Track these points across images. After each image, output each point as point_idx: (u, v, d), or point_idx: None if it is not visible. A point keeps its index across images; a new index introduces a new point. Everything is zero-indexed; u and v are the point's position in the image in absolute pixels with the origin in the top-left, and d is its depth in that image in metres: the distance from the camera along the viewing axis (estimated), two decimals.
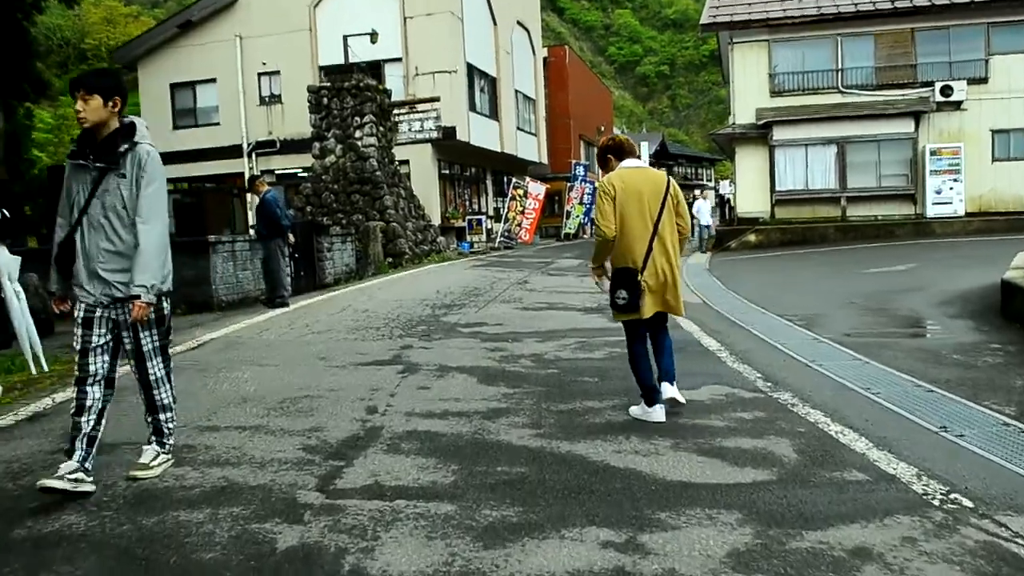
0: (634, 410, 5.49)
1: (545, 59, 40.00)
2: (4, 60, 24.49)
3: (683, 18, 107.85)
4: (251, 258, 14.64)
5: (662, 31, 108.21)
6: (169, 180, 19.13)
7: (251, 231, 15.74)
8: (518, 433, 5.10)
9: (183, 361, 7.57)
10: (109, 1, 52.05)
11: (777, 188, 25.77)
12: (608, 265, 5.45)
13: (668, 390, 5.49)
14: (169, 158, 25.34)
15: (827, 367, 7.05)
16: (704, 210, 26.00)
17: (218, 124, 29.83)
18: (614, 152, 5.55)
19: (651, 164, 64.34)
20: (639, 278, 5.18)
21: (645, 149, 62.50)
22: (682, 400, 5.56)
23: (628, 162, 5.47)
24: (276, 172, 29.12)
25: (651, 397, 5.36)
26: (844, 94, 25.72)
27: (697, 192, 31.45)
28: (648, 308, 5.27)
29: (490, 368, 7.28)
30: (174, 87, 30.43)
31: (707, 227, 25.49)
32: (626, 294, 5.19)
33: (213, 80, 29.77)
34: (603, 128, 50.54)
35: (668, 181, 5.41)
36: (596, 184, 7.54)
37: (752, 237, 25.48)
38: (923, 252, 19.47)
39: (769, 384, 6.44)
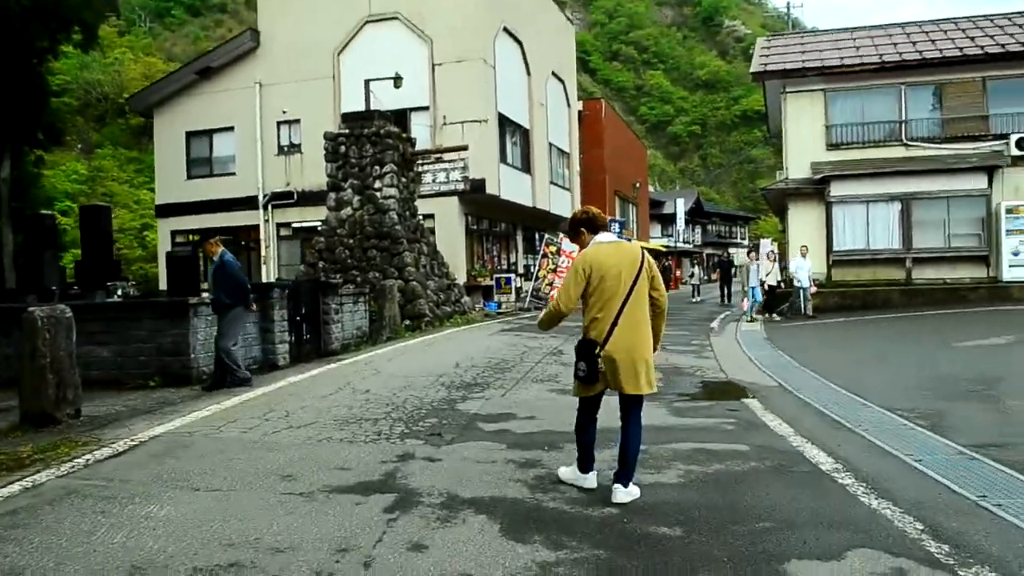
0: (564, 472, 5.63)
1: (580, 112, 38.31)
2: (17, 106, 23.30)
3: (714, 79, 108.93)
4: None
5: (693, 91, 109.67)
6: (181, 231, 17.21)
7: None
8: None
9: (93, 479, 5.52)
10: (149, 57, 51.86)
11: (834, 248, 23.51)
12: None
13: (620, 494, 5.17)
14: (182, 209, 23.93)
15: (1014, 510, 4.81)
16: (804, 269, 21.28)
17: (234, 174, 28.21)
18: (587, 225, 5.49)
19: (686, 221, 62.67)
20: (597, 351, 5.11)
21: (680, 206, 60.69)
22: (626, 500, 5.16)
23: (602, 236, 5.42)
24: (293, 225, 27.43)
25: (587, 464, 5.49)
26: (908, 147, 23.60)
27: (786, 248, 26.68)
28: (612, 382, 5.19)
29: (519, 504, 5.11)
30: (190, 135, 28.92)
31: (806, 288, 21.26)
32: (585, 366, 5.17)
33: (231, 128, 28.23)
34: (639, 184, 48.71)
35: (643, 255, 5.31)
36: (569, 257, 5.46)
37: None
38: (1011, 321, 17.11)
39: (945, 547, 4.22)
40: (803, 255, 21.43)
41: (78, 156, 45.28)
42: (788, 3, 50.62)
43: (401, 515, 4.82)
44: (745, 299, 20.90)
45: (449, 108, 25.22)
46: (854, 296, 22.70)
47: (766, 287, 21.55)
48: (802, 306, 21.17)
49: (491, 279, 27.49)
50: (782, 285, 22.48)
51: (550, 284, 28.03)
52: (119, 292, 14.90)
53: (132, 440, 6.98)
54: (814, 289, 21.16)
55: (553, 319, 5.38)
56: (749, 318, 20.90)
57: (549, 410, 8.47)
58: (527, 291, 28.30)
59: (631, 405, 5.34)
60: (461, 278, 24.86)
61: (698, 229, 73.91)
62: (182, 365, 11.31)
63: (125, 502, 5.10)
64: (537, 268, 28.51)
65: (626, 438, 5.30)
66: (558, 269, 27.96)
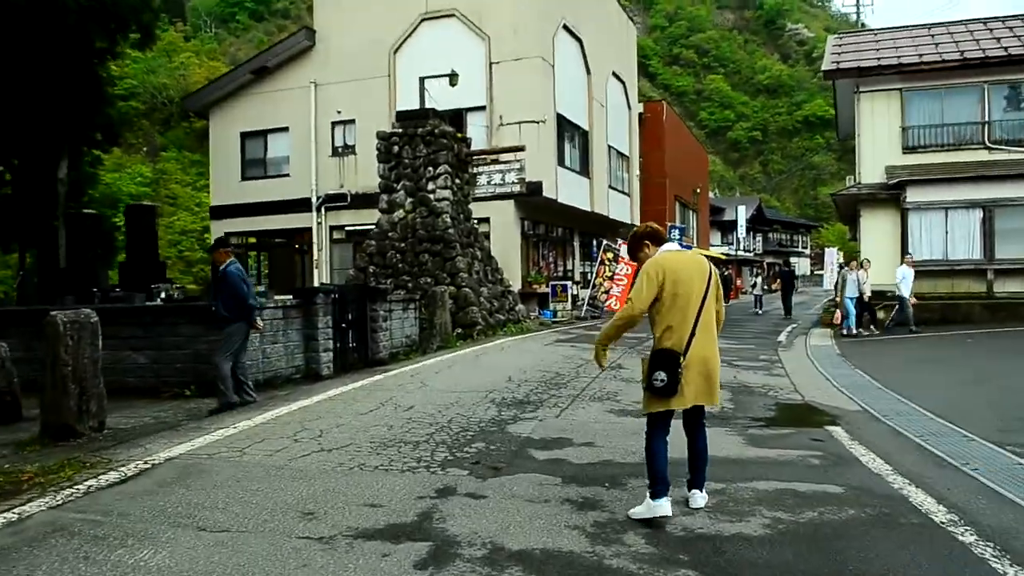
0: (638, 511, 5.12)
1: (640, 114, 37.29)
2: (75, 107, 23.22)
3: (776, 84, 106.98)
4: (284, 328, 12.02)
5: (754, 97, 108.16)
6: (235, 234, 16.05)
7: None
8: None
9: (88, 512, 4.85)
10: (213, 62, 52.45)
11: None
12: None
13: (698, 499, 5.35)
14: (236, 210, 23.44)
15: None
16: (909, 279, 19.44)
17: (288, 176, 27.83)
18: (651, 238, 5.41)
19: (747, 229, 61.08)
20: (681, 360, 4.97)
21: (742, 213, 59.18)
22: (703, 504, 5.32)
23: (668, 246, 5.31)
24: (346, 228, 26.94)
25: (660, 489, 5.01)
26: (992, 150, 22.19)
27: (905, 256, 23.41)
28: (690, 395, 5.05)
29: (577, 560, 4.29)
30: (244, 136, 28.65)
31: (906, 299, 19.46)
32: (665, 376, 4.93)
33: (285, 129, 27.88)
34: (699, 190, 47.47)
35: (711, 267, 5.26)
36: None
37: (882, 315, 21.88)
38: None
39: None
40: (909, 264, 19.78)
41: (144, 159, 45.96)
42: (858, 2, 48.79)
43: (434, 574, 4.03)
44: (839, 312, 19.19)
45: (506, 108, 24.46)
46: (932, 310, 21.35)
47: (864, 299, 19.70)
48: (908, 318, 19.34)
49: (547, 286, 26.67)
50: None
51: (607, 292, 27.12)
52: (162, 295, 14.42)
53: (145, 462, 6.32)
54: (914, 301, 19.55)
55: (625, 326, 5.18)
56: (852, 332, 19.16)
57: (609, 435, 7.64)
58: (583, 299, 27.41)
59: (699, 418, 5.36)
60: (516, 285, 24.11)
61: (759, 237, 72.04)
62: None
63: (116, 544, 4.39)
64: (594, 275, 27.60)
65: (697, 451, 5.37)
66: (615, 276, 27.04)
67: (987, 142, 22.23)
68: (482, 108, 24.91)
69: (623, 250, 27.01)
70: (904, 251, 22.18)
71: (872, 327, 19.73)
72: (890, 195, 22.36)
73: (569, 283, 27.25)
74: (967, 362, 13.90)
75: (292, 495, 5.44)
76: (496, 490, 5.65)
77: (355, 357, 13.72)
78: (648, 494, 5.06)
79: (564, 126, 26.96)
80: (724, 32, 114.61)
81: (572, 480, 5.94)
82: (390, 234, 19.48)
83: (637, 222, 35.58)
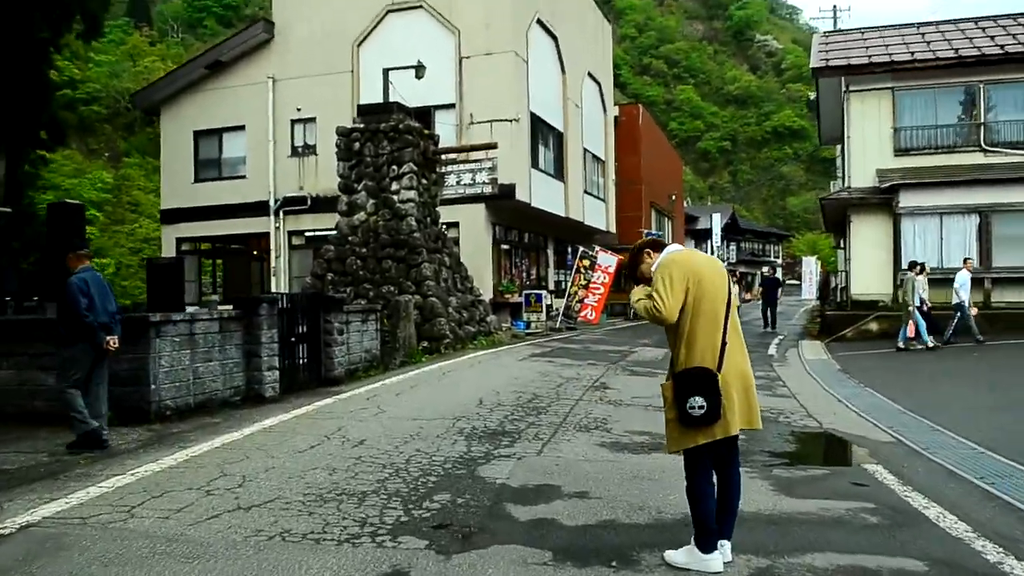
0: (676, 556, 4.28)
1: (616, 118, 35.96)
2: (15, 102, 21.48)
3: (745, 94, 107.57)
4: (220, 344, 10.42)
5: (724, 107, 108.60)
6: (187, 239, 12.90)
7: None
8: None
9: None
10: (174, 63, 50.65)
11: (903, 266, 20.95)
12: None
13: (727, 552, 4.31)
14: (189, 214, 21.32)
15: None
16: (968, 285, 17.71)
17: (244, 177, 26.05)
18: (653, 246, 4.56)
19: (721, 238, 60.16)
20: (719, 377, 4.07)
21: (717, 221, 58.11)
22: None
23: (674, 247, 4.49)
24: (306, 233, 25.26)
25: (711, 540, 4.19)
26: (988, 153, 21.08)
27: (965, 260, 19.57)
28: (733, 419, 4.14)
29: None
30: (198, 135, 26.81)
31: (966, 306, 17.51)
32: (703, 401, 4.04)
33: (241, 127, 26.11)
34: (674, 197, 46.26)
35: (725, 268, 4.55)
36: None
37: (873, 325, 20.66)
38: None
39: None
40: (968, 269, 18.00)
41: (105, 164, 44.13)
42: (835, 8, 48.04)
43: None
44: (910, 323, 17.11)
45: (477, 106, 22.96)
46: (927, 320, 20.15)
47: (925, 308, 17.55)
48: (972, 327, 17.36)
49: (520, 296, 25.16)
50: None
51: (580, 301, 25.68)
52: None
53: None
54: (975, 311, 17.61)
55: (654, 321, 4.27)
56: (929, 346, 17.04)
57: (606, 480, 6.15)
58: (558, 309, 25.94)
59: (733, 449, 4.43)
60: (487, 294, 22.59)
61: (732, 246, 71.14)
62: (140, 398, 9.12)
63: None
64: (569, 284, 26.15)
65: (731, 491, 4.39)
66: (591, 285, 25.61)
67: (983, 144, 21.12)
68: (451, 106, 23.38)
69: (601, 258, 25.61)
70: (897, 259, 21.01)
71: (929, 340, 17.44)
72: (882, 200, 21.16)
73: (543, 292, 25.76)
74: (983, 378, 12.60)
75: None
76: (466, 569, 4.14)
77: (306, 375, 12.13)
78: (694, 544, 4.27)
79: (538, 126, 25.50)
80: (694, 43, 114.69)
81: (565, 555, 4.44)
82: (350, 238, 17.86)
83: (613, 228, 34.26)
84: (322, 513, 5.16)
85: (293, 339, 11.86)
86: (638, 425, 8.58)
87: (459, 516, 5.15)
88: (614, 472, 6.44)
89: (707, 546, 4.24)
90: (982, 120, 21.17)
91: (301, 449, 7.07)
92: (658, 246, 4.57)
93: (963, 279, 17.53)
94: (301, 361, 12.13)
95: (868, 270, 21.77)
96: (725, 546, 4.34)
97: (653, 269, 4.38)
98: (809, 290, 25.02)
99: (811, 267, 25.22)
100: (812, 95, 52.59)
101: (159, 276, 13.33)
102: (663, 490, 5.89)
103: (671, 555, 4.37)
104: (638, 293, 4.40)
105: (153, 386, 9.15)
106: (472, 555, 4.41)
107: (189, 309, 12.14)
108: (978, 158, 21.07)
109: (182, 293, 13.32)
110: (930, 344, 17.07)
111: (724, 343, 4.18)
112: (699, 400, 4.06)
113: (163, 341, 9.36)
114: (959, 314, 17.50)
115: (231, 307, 11.18)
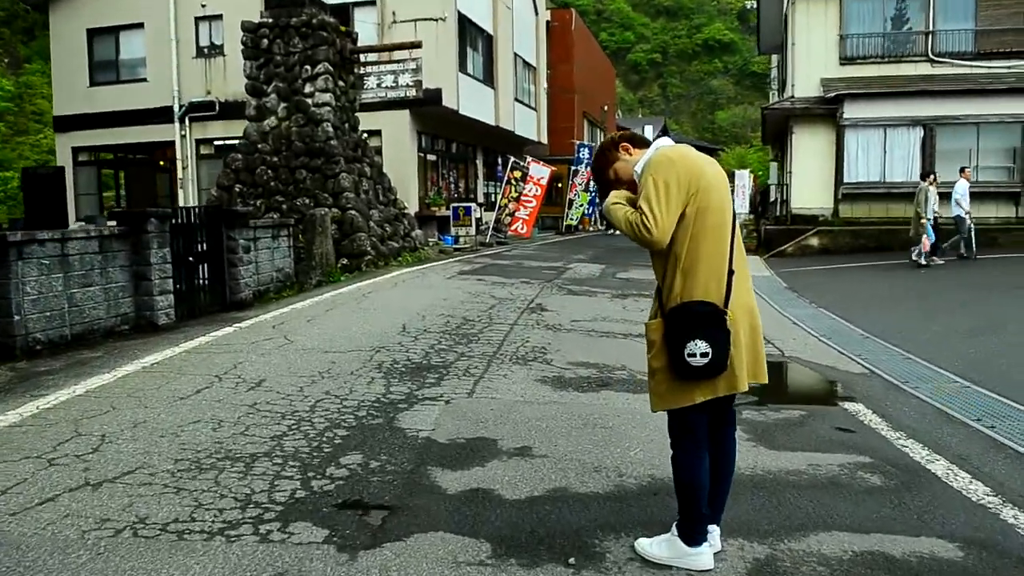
0: (652, 548, 3.31)
1: (548, 23, 34.27)
2: None
3: (676, 6, 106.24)
4: (102, 265, 9.00)
5: (655, 18, 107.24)
6: (85, 149, 11.26)
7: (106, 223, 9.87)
8: None
9: None
10: None
11: (845, 180, 20.36)
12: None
13: (716, 538, 3.38)
14: (85, 121, 19.06)
15: None
16: (965, 194, 16.38)
17: (145, 80, 23.86)
18: (634, 142, 3.42)
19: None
20: (727, 316, 3.06)
21: (649, 133, 57.11)
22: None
23: (665, 140, 3.31)
24: (215, 142, 23.38)
25: (699, 530, 3.23)
26: (935, 64, 20.35)
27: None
28: (742, 370, 3.13)
29: None
30: (92, 33, 24.32)
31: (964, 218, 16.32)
32: (707, 347, 3.02)
33: (140, 25, 23.77)
34: (607, 108, 45.00)
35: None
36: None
37: (814, 240, 20.10)
38: None
39: None
40: (966, 178, 16.63)
41: (4, 71, 40.53)
42: None
43: None
44: (925, 236, 15.78)
45: (399, 3, 21.19)
46: (868, 235, 19.67)
47: (936, 221, 16.02)
48: (972, 243, 16.40)
49: (448, 209, 23.86)
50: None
51: (511, 214, 24.54)
52: None
53: None
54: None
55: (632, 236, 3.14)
56: (937, 262, 15.75)
57: (552, 430, 5.12)
58: (488, 223, 24.74)
59: (728, 410, 3.40)
60: (412, 207, 21.24)
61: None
62: (2, 331, 7.71)
63: None
64: (500, 196, 24.91)
65: (725, 463, 3.40)
66: (522, 197, 24.46)
67: (930, 54, 20.36)
68: (371, 3, 21.54)
69: (533, 169, 24.40)
70: (839, 173, 20.33)
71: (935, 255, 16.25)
72: (827, 110, 20.35)
73: (473, 205, 24.48)
74: (938, 297, 11.93)
75: None
76: None
77: (208, 299, 10.78)
78: (676, 534, 3.29)
79: (466, 28, 23.81)
80: None
81: (508, 548, 3.38)
82: (260, 146, 16.23)
83: (545, 139, 32.94)
84: (194, 489, 3.99)
85: (191, 259, 10.47)
86: (581, 355, 7.58)
87: (372, 488, 4.05)
88: (560, 418, 5.41)
89: (695, 537, 3.25)
90: (931, 28, 20.34)
91: (184, 395, 5.84)
92: (638, 141, 3.45)
93: (962, 189, 16.36)
94: (201, 283, 10.77)
95: (810, 184, 21.04)
96: (714, 532, 3.39)
97: (636, 170, 3.27)
98: (742, 204, 24.11)
99: (744, 180, 24.35)
100: (748, 3, 51.25)
101: (37, 188, 11.77)
102: (621, 442, 4.89)
103: (645, 546, 3.35)
104: (616, 198, 3.25)
105: (17, 317, 7.73)
106: (385, 551, 3.31)
107: (74, 225, 10.67)
108: (925, 68, 20.35)
109: (64, 207, 11.79)
110: (938, 260, 15.94)
111: (731, 271, 3.14)
112: (701, 345, 3.03)
113: (28, 264, 7.91)
114: (967, 227, 16.39)
115: (113, 224, 9.71)
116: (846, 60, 20.76)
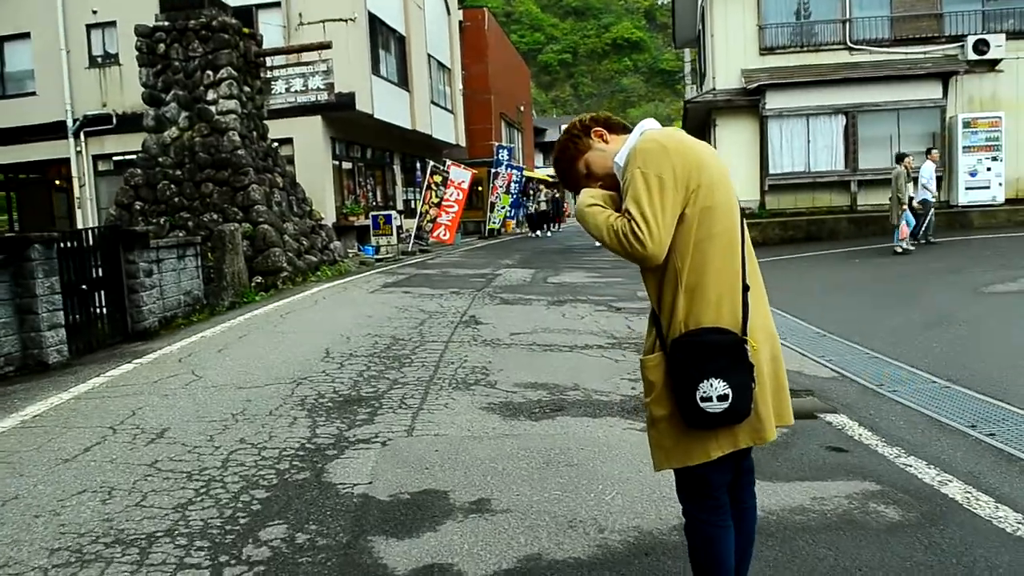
0: None
1: (460, 23, 33.55)
2: None
3: (584, 6, 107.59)
4: None
5: (564, 19, 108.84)
6: None
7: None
8: None
9: None
10: None
11: (771, 171, 20.18)
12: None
13: None
14: None
15: None
16: (932, 178, 16.05)
17: (34, 94, 22.31)
18: (609, 127, 2.66)
19: None
20: (748, 346, 2.33)
21: None
22: None
23: (650, 122, 2.58)
24: (113, 157, 21.94)
25: None
26: (853, 51, 20.34)
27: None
28: (770, 416, 2.43)
29: None
30: None
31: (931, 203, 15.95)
32: (725, 387, 2.28)
33: (26, 35, 22.20)
34: (522, 108, 44.50)
35: None
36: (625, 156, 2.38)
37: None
38: (1006, 253, 14.02)
39: None
40: (933, 160, 16.11)
41: None
42: None
43: None
44: (904, 223, 15.07)
45: (306, 4, 20.19)
46: (797, 227, 19.49)
47: (915, 205, 15.47)
48: (931, 227, 15.96)
49: (367, 218, 22.90)
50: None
51: (433, 220, 23.74)
52: None
53: None
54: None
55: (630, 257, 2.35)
56: (902, 248, 14.99)
57: (511, 473, 4.39)
58: (410, 230, 23.87)
59: (745, 461, 2.63)
60: (329, 218, 20.26)
61: None
62: None
63: None
64: (420, 203, 24.07)
65: (745, 528, 2.64)
66: (443, 202, 23.67)
67: (848, 42, 20.31)
68: (276, 5, 20.48)
69: (454, 173, 23.63)
70: (764, 164, 20.14)
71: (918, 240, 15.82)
72: (749, 101, 20.14)
73: (393, 213, 23.59)
74: (882, 288, 11.58)
75: None
76: None
77: (107, 330, 9.74)
78: None
79: (378, 28, 22.89)
80: None
81: None
82: (161, 159, 15.07)
83: (463, 142, 32.21)
84: None
85: (85, 287, 9.40)
86: (527, 374, 6.86)
87: (300, 574, 3.24)
88: (516, 456, 4.67)
89: None
90: (848, 16, 20.29)
91: (69, 455, 4.90)
92: (615, 125, 2.68)
93: (929, 173, 15.97)
94: (99, 312, 9.71)
95: (735, 176, 20.41)
96: None
97: (617, 162, 2.52)
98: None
99: None
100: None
101: None
102: (592, 484, 4.18)
103: None
104: (592, 198, 2.51)
105: None
106: None
107: None
108: (844, 56, 20.31)
109: None
110: (906, 246, 15.21)
111: (746, 286, 2.41)
112: (718, 386, 2.29)
113: None
114: (930, 211, 15.99)
115: None
116: (766, 50, 20.58)
